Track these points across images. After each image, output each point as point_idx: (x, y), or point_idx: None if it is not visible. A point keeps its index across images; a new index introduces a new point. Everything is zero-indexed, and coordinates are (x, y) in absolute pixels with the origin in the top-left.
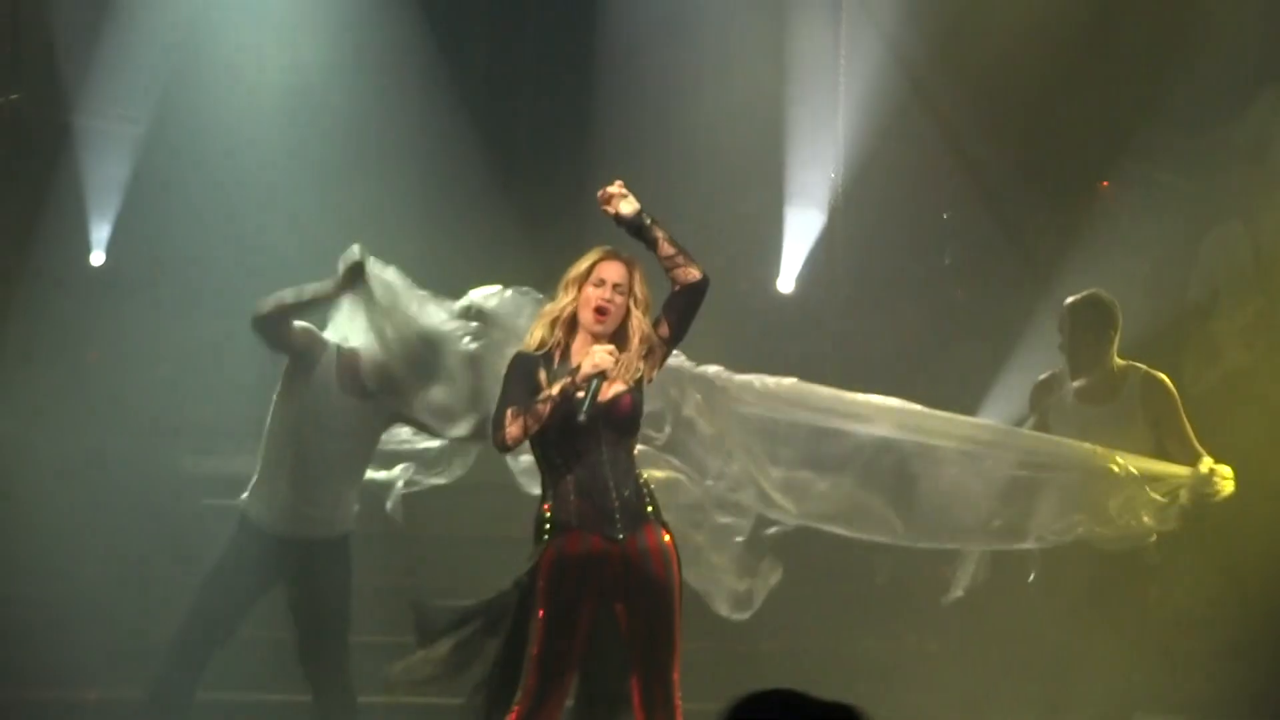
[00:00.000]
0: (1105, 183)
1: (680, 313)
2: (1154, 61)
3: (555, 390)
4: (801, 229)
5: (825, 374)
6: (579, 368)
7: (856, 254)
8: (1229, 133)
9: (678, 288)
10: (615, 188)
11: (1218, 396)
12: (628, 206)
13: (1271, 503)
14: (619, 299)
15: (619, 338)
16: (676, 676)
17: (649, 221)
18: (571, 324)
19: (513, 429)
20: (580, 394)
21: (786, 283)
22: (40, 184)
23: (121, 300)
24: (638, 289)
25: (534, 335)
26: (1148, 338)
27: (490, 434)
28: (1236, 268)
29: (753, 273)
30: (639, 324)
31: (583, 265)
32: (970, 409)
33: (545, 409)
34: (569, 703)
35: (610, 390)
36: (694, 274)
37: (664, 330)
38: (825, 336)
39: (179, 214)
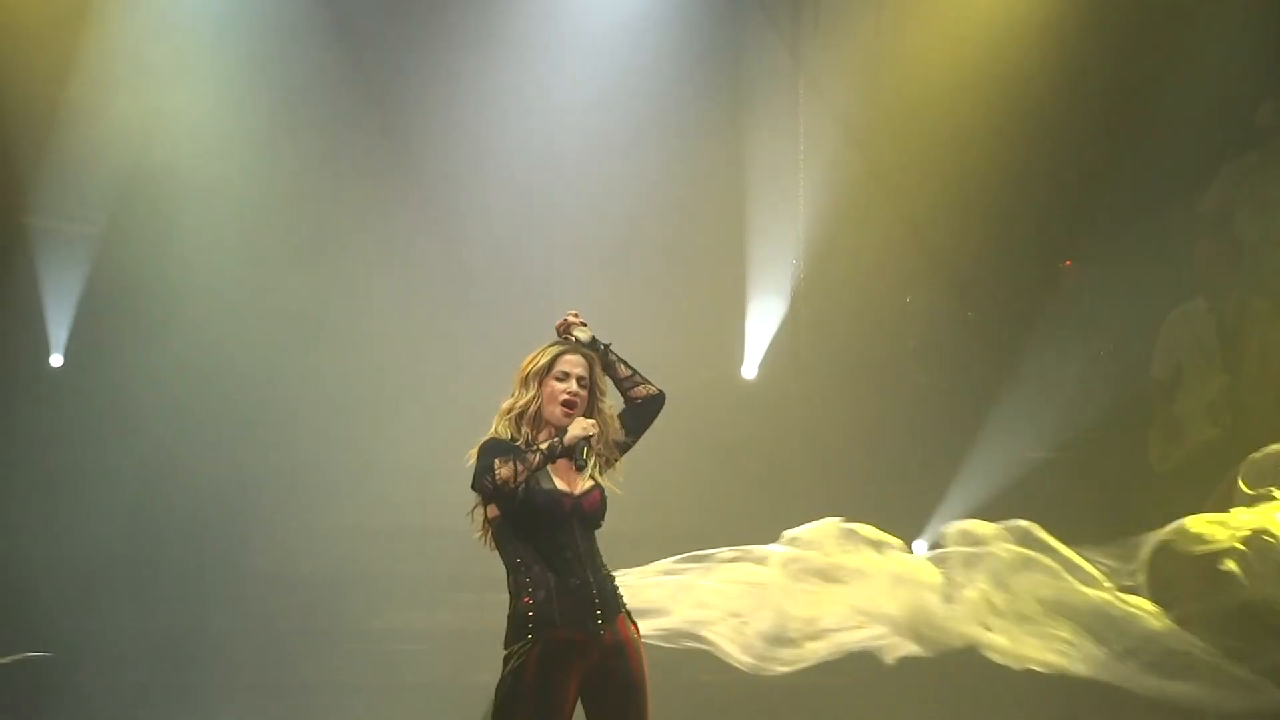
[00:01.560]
0: (1068, 262)
1: (639, 421)
2: (1114, 141)
3: (544, 446)
4: (764, 315)
5: (789, 458)
6: (564, 432)
7: (819, 339)
8: (1190, 209)
9: (637, 402)
10: (573, 317)
11: (1186, 474)
12: (584, 334)
13: None
14: (583, 392)
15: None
16: None
17: (604, 346)
18: (536, 420)
19: (504, 470)
20: (578, 456)
21: (750, 369)
22: None
23: (81, 403)
24: (599, 380)
25: (497, 431)
26: (1112, 416)
27: (474, 482)
28: (1200, 345)
29: (716, 360)
30: (605, 408)
31: (542, 360)
32: (937, 492)
33: (534, 459)
34: None
35: (580, 486)
36: (652, 389)
37: (620, 434)
38: (790, 422)
39: (137, 315)
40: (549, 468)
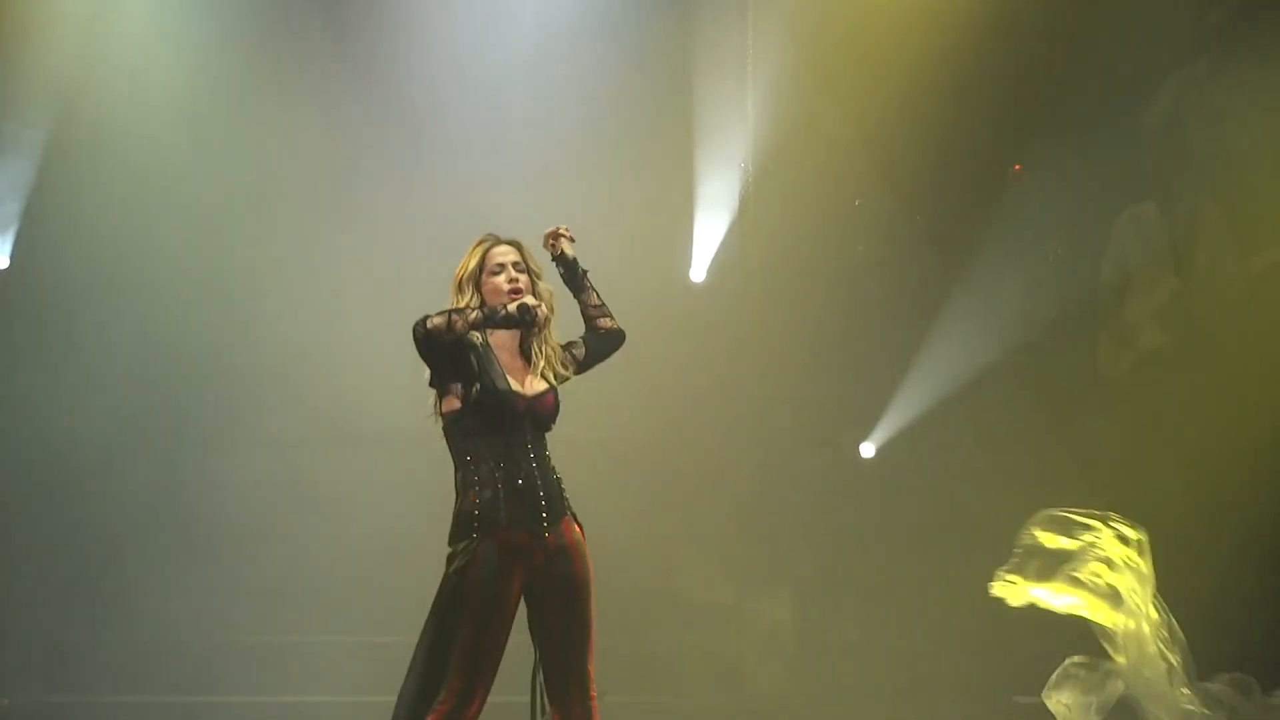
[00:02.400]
0: (1017, 166)
1: (596, 348)
2: (1064, 45)
3: (484, 309)
4: (712, 220)
5: (740, 365)
6: (506, 305)
7: (768, 244)
8: (1140, 115)
9: (600, 331)
10: (563, 231)
11: (1137, 378)
12: (569, 249)
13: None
14: (523, 277)
15: None
16: (592, 669)
17: (583, 271)
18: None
19: (436, 319)
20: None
21: (698, 273)
22: None
23: (27, 304)
24: (531, 263)
25: None
26: (1061, 320)
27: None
28: (1150, 249)
29: (664, 265)
30: (546, 290)
31: (472, 263)
32: (883, 397)
33: (473, 316)
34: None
35: (534, 388)
36: (615, 325)
37: (579, 352)
38: (738, 327)
39: (82, 218)
40: (504, 370)
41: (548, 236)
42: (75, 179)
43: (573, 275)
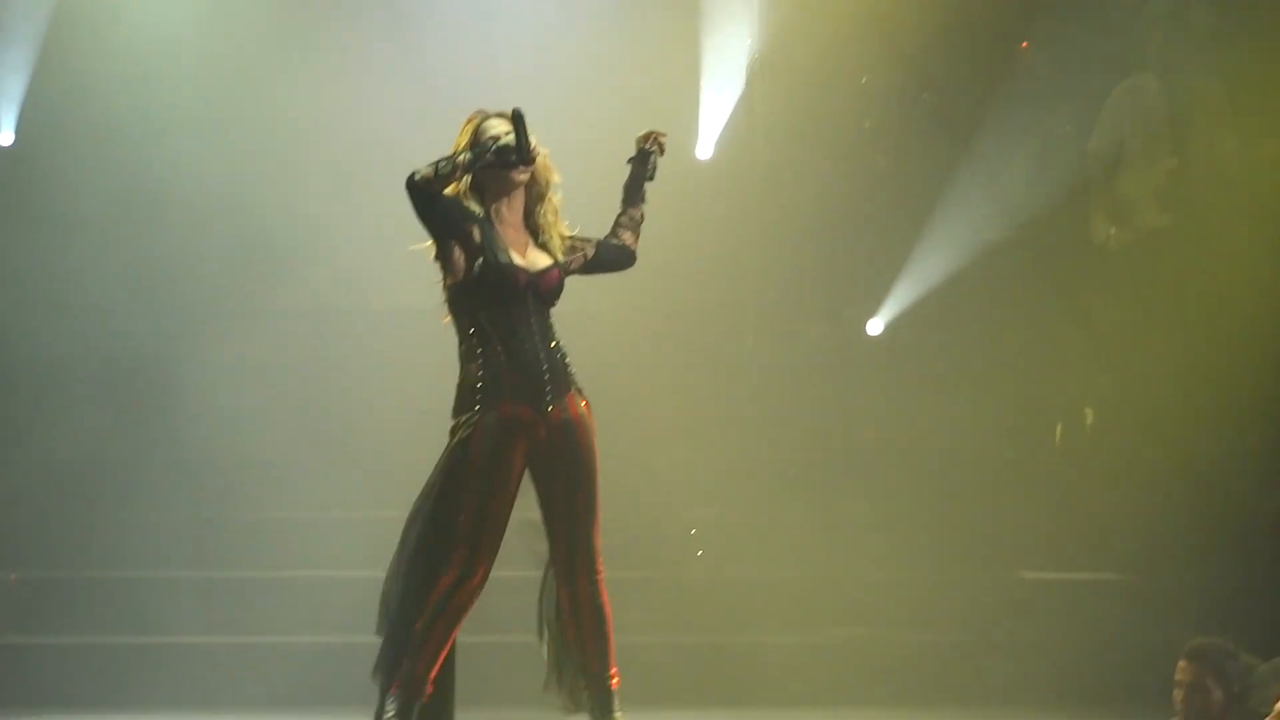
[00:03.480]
0: (1024, 43)
1: (607, 256)
2: None
3: (471, 150)
4: (719, 97)
5: (746, 240)
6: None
7: (774, 121)
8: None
9: (617, 242)
10: (661, 137)
11: (1138, 258)
12: (657, 158)
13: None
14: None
15: (534, 183)
16: (598, 543)
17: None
18: (484, 189)
19: (425, 169)
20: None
21: (705, 149)
22: None
23: (32, 179)
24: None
25: None
26: (1069, 196)
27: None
28: (1147, 123)
29: (670, 140)
30: (541, 157)
31: (465, 137)
32: (890, 273)
33: (461, 159)
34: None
35: (537, 263)
36: (634, 246)
37: (589, 251)
38: (745, 204)
39: (88, 89)
40: (506, 244)
41: (652, 136)
42: (80, 51)
43: (638, 183)
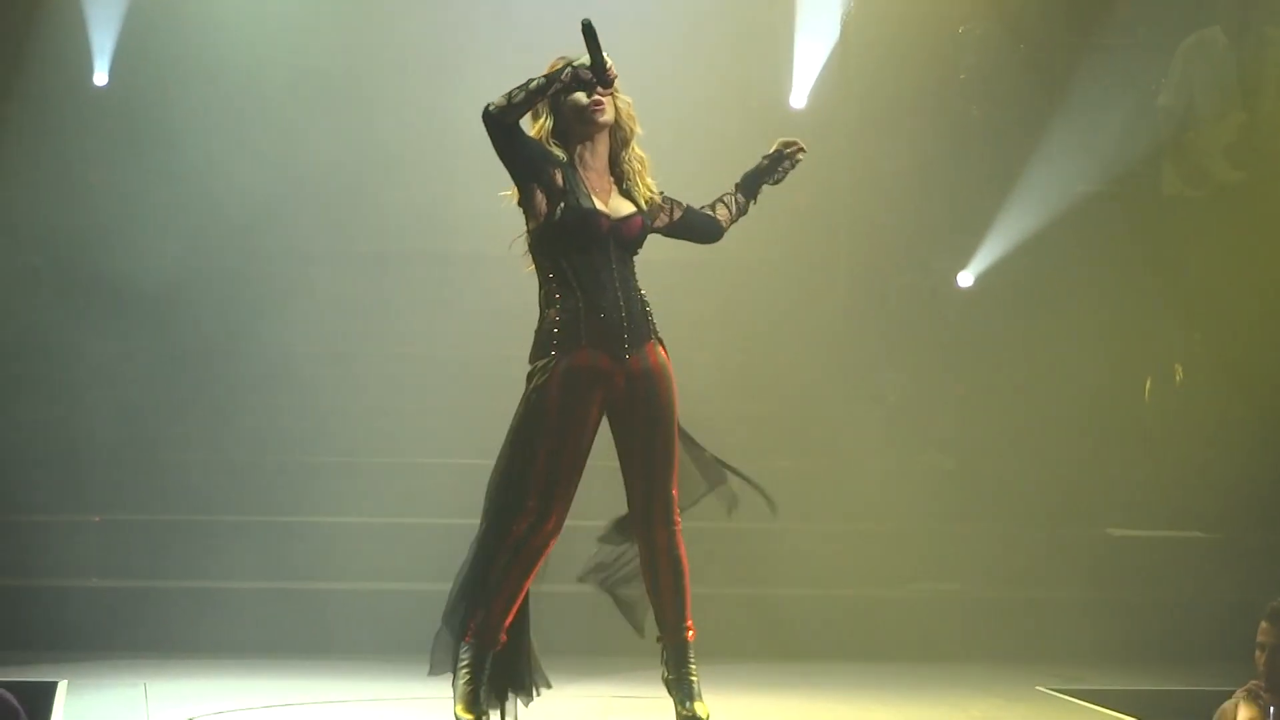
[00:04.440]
0: None
1: (694, 223)
2: None
3: (544, 76)
4: (813, 44)
5: (838, 190)
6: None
7: (869, 69)
8: None
9: (710, 214)
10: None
11: (1224, 214)
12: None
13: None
14: (605, 93)
15: (618, 128)
16: (676, 493)
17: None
18: (568, 136)
19: (498, 99)
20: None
21: (799, 99)
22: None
23: (125, 122)
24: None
25: None
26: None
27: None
28: (1217, 78)
29: (764, 89)
30: (625, 106)
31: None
32: (981, 226)
33: (533, 84)
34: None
35: (620, 210)
36: (727, 226)
37: (678, 213)
38: (838, 153)
39: (184, 31)
40: (589, 190)
41: (795, 145)
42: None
43: (761, 178)
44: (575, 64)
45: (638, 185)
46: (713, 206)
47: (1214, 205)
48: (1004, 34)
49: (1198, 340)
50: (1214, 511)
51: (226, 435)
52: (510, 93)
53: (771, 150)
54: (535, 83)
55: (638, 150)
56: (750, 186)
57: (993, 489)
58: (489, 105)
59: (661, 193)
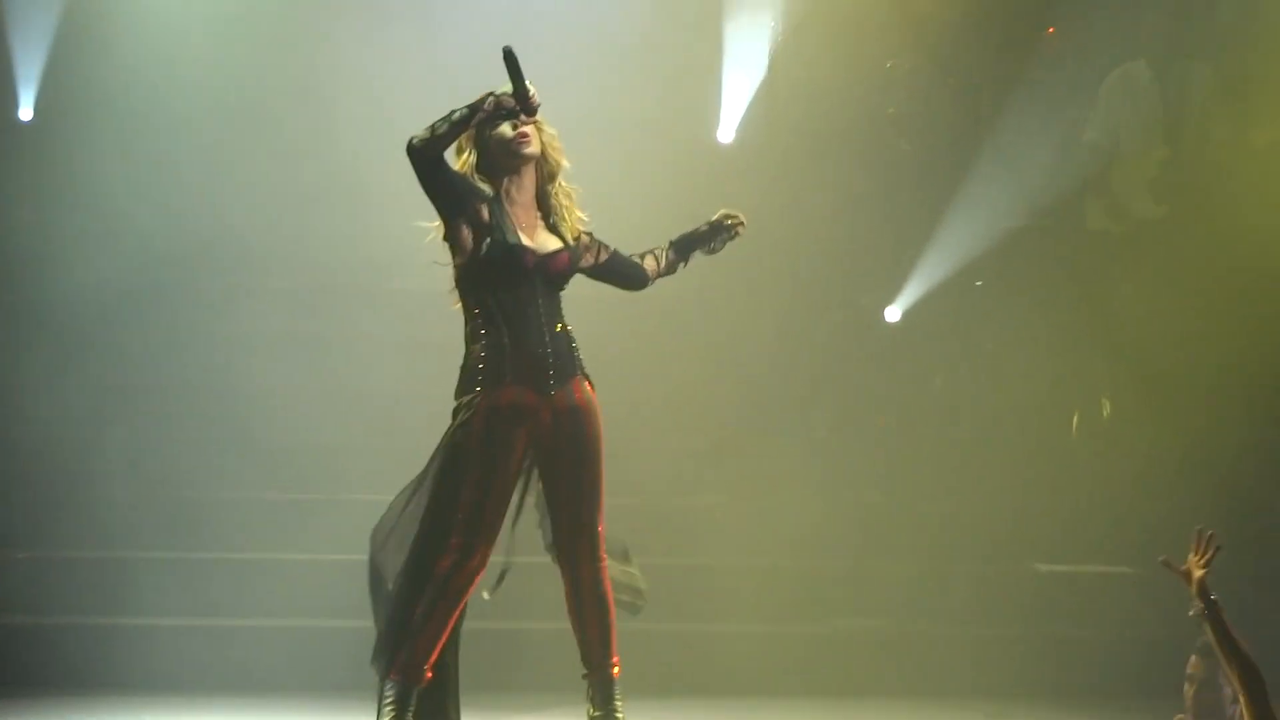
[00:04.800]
0: (1051, 29)
1: (619, 268)
2: None
3: (466, 107)
4: (741, 78)
5: (766, 224)
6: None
7: (797, 104)
8: None
9: (635, 263)
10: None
11: (1129, 250)
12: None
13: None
14: (529, 124)
15: (544, 161)
16: (602, 529)
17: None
18: (494, 170)
19: (421, 132)
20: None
21: (726, 133)
22: None
23: (50, 156)
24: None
25: None
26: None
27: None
28: (1139, 113)
29: (691, 123)
30: (550, 138)
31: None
32: (908, 261)
33: (456, 116)
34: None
35: (546, 245)
36: (650, 280)
37: (604, 255)
38: (766, 188)
39: (109, 66)
40: (515, 225)
41: (736, 220)
42: (100, 32)
43: (696, 243)
44: (498, 93)
45: (565, 220)
46: (642, 256)
47: (1137, 240)
48: (932, 69)
49: (1124, 375)
50: (1142, 546)
51: (152, 470)
52: (434, 125)
53: (713, 218)
54: (458, 114)
55: (564, 184)
56: (684, 248)
57: (920, 524)
58: (412, 139)
59: (590, 232)
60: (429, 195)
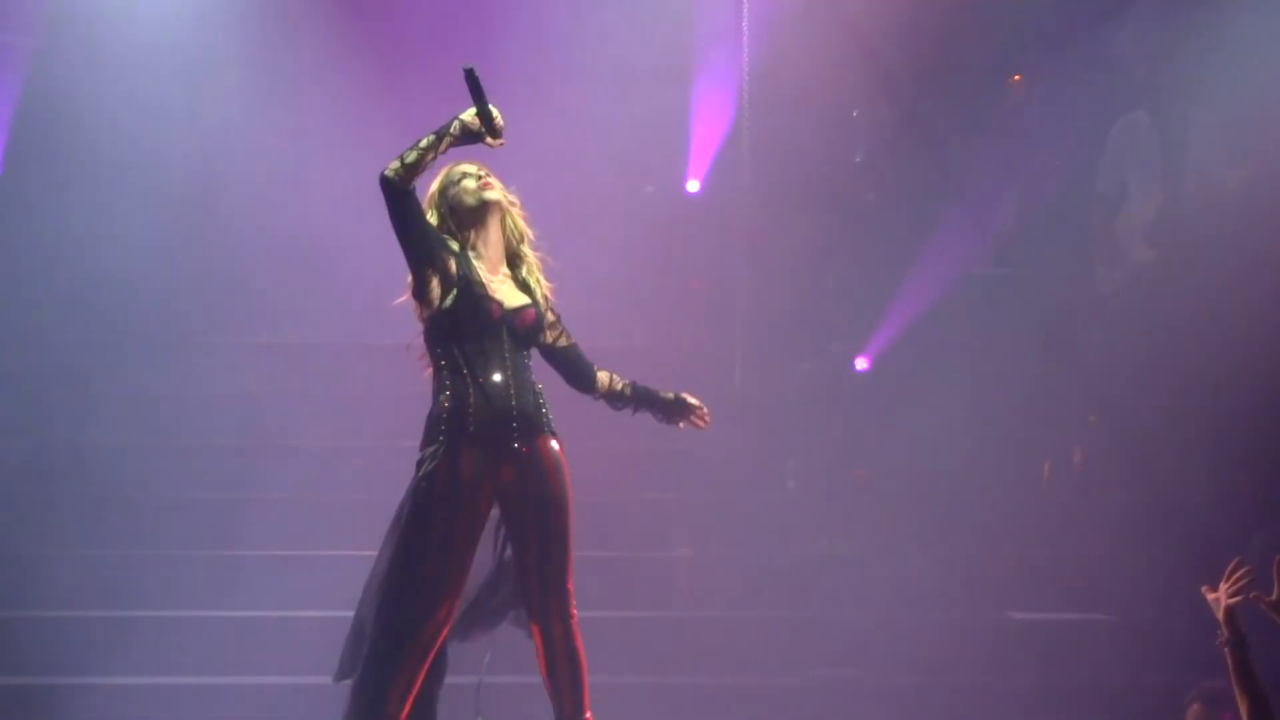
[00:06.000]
0: (1016, 77)
1: (570, 360)
2: None
3: (433, 131)
4: (708, 130)
5: (733, 274)
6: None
7: (764, 154)
8: (1137, 29)
9: (590, 364)
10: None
11: (1128, 296)
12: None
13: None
14: (492, 176)
15: (508, 224)
16: (571, 586)
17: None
18: (461, 226)
19: (391, 163)
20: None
21: (693, 184)
22: None
23: (23, 212)
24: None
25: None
26: (1057, 232)
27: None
28: (1141, 161)
29: (659, 174)
30: (514, 205)
31: (435, 184)
32: (877, 309)
33: (423, 142)
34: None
35: (514, 300)
36: (597, 392)
37: (562, 341)
38: (733, 238)
39: (77, 125)
40: (484, 279)
41: (701, 416)
42: (68, 88)
43: (647, 403)
44: (462, 117)
45: (534, 278)
46: (599, 367)
47: (1116, 289)
48: (898, 119)
49: (1095, 423)
50: (1115, 593)
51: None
52: (402, 154)
53: (688, 400)
54: (425, 139)
55: (530, 255)
56: (641, 398)
57: (891, 573)
58: (384, 171)
59: (558, 314)
60: (400, 235)
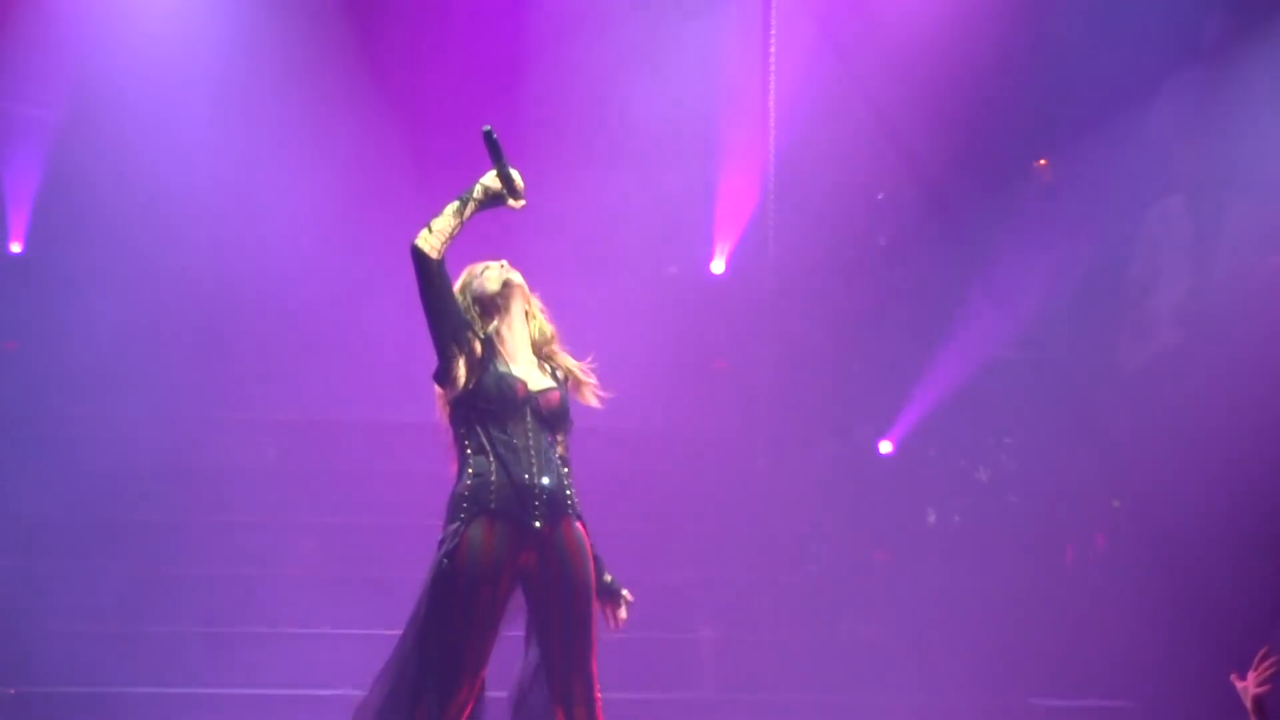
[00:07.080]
0: (1042, 161)
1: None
2: (1089, 38)
3: (459, 195)
4: (733, 211)
5: (758, 356)
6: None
7: (789, 236)
8: (1165, 110)
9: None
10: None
11: (1153, 376)
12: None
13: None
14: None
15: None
16: (595, 668)
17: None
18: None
19: (421, 232)
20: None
21: (718, 265)
22: None
23: (43, 288)
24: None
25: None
26: (1081, 315)
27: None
28: (1176, 244)
29: (684, 255)
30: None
31: (459, 280)
32: (901, 392)
33: (449, 209)
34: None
35: (539, 382)
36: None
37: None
38: (758, 319)
39: (99, 201)
40: (508, 359)
41: (619, 615)
42: (89, 164)
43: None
44: (482, 179)
45: (563, 365)
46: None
47: (1142, 371)
48: (922, 200)
49: (1119, 506)
50: (1139, 679)
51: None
52: (429, 223)
53: (623, 594)
54: (450, 205)
55: (559, 351)
56: (606, 590)
57: (916, 657)
58: (414, 240)
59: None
60: (427, 307)
